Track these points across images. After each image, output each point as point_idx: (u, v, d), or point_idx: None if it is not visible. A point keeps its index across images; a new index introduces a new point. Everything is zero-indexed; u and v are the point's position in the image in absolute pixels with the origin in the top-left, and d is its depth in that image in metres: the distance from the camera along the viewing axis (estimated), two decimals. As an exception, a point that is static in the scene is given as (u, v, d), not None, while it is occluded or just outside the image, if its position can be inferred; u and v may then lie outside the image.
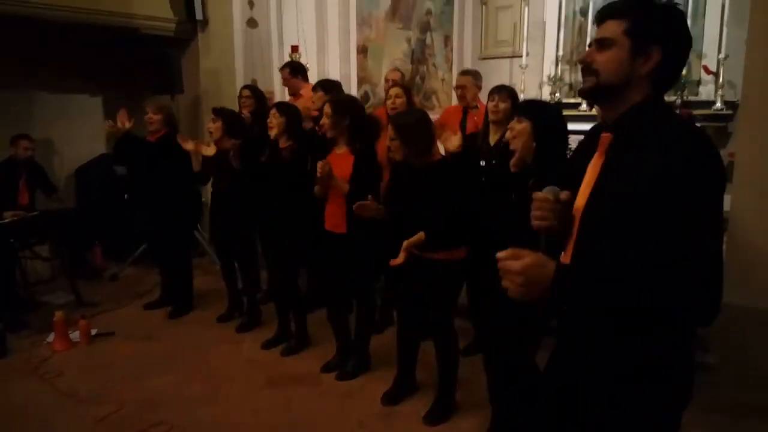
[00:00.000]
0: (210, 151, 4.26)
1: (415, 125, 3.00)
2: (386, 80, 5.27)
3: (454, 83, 5.00)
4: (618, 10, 1.49)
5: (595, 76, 1.50)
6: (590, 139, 1.62)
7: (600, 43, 1.50)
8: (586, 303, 1.45)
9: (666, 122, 1.46)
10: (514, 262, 1.39)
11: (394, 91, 4.30)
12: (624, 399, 1.49)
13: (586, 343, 1.55)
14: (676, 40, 1.47)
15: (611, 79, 1.48)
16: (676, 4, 1.54)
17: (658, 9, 1.48)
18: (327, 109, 3.46)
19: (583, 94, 1.57)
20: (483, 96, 4.26)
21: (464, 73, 4.86)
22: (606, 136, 1.52)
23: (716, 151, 1.38)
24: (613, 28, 1.48)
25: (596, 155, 1.54)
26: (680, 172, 1.33)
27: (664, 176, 1.34)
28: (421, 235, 2.92)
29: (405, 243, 2.93)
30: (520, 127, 2.69)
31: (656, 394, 1.47)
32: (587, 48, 1.56)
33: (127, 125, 4.48)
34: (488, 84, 4.47)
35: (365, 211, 3.11)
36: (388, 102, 4.28)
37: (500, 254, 1.42)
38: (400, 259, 2.92)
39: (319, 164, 3.31)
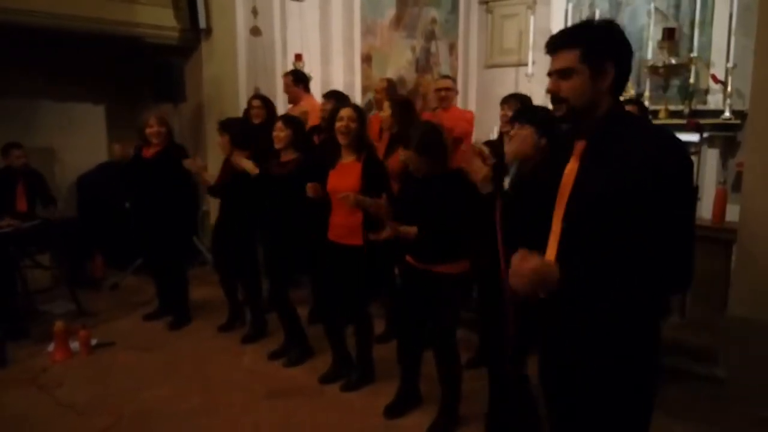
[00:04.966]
0: (252, 169, 4.02)
1: (431, 140, 2.98)
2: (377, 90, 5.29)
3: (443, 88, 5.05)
4: (569, 41, 1.68)
5: (566, 102, 1.68)
6: (561, 146, 1.79)
7: (561, 73, 1.68)
8: (591, 291, 1.64)
9: (631, 124, 1.68)
10: (526, 263, 1.62)
11: (387, 104, 4.33)
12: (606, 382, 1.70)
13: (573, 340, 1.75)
14: (623, 52, 1.67)
15: (580, 102, 1.67)
16: (612, 19, 1.79)
17: (601, 30, 1.68)
18: (350, 114, 3.40)
19: (561, 120, 1.74)
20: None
21: (447, 77, 5.07)
22: (580, 144, 1.70)
23: (681, 142, 1.61)
24: (569, 57, 1.65)
25: (571, 161, 1.71)
26: (654, 165, 1.53)
27: (642, 169, 1.53)
28: (413, 228, 2.95)
29: (394, 223, 2.97)
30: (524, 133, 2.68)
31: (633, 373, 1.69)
32: (548, 77, 1.74)
33: (129, 152, 4.55)
34: (494, 92, 4.48)
35: (375, 208, 3.11)
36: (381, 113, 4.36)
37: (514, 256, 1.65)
38: (383, 234, 3.00)
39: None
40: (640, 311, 1.66)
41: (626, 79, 1.70)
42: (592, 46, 1.64)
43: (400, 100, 4.53)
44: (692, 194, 1.63)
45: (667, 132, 1.64)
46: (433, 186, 2.97)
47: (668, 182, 1.53)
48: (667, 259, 1.55)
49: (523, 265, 1.62)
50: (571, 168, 1.70)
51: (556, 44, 1.70)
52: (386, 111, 4.19)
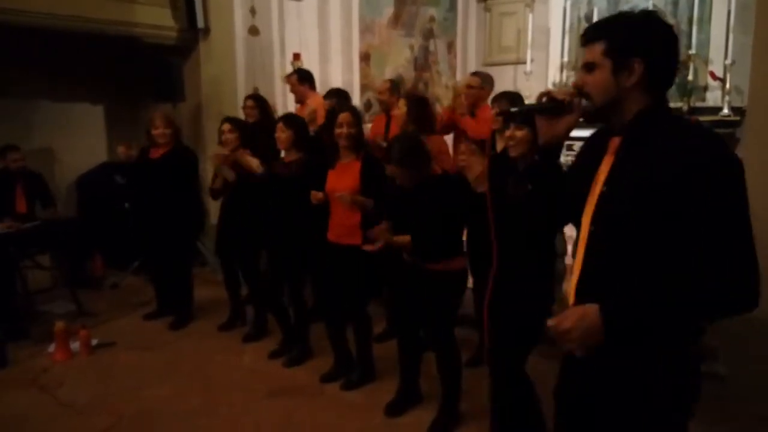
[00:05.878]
0: (231, 176, 4.18)
1: (410, 151, 3.01)
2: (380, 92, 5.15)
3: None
4: (597, 33, 1.55)
5: (589, 98, 1.57)
6: (595, 143, 1.66)
7: (586, 67, 1.57)
8: (641, 329, 1.48)
9: (672, 123, 1.53)
10: (564, 325, 1.47)
11: (402, 101, 4.27)
12: (635, 410, 1.56)
13: (600, 360, 1.57)
14: (656, 47, 1.51)
15: (601, 99, 1.55)
16: (652, 10, 1.60)
17: (632, 23, 1.53)
18: (348, 119, 3.45)
19: (586, 117, 1.61)
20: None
21: (476, 73, 4.96)
22: (615, 140, 1.57)
23: (722, 139, 1.48)
24: (595, 50, 1.54)
25: (606, 158, 1.58)
26: (704, 165, 1.39)
27: (688, 170, 1.39)
28: (407, 237, 2.99)
29: (388, 236, 3.03)
30: (520, 134, 2.65)
31: (665, 404, 1.53)
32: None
33: (133, 153, 4.55)
34: (493, 90, 4.46)
35: (380, 236, 3.13)
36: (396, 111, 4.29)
37: (549, 322, 1.50)
38: (374, 246, 3.07)
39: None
40: (673, 335, 1.50)
41: (667, 75, 1.55)
42: (617, 39, 1.50)
43: (416, 97, 4.48)
44: (742, 195, 1.44)
45: (708, 129, 1.52)
46: (421, 193, 3.01)
47: (710, 180, 1.38)
48: (721, 273, 1.39)
49: (563, 326, 1.47)
50: (606, 165, 1.58)
51: (587, 36, 1.58)
52: (402, 109, 4.15)
